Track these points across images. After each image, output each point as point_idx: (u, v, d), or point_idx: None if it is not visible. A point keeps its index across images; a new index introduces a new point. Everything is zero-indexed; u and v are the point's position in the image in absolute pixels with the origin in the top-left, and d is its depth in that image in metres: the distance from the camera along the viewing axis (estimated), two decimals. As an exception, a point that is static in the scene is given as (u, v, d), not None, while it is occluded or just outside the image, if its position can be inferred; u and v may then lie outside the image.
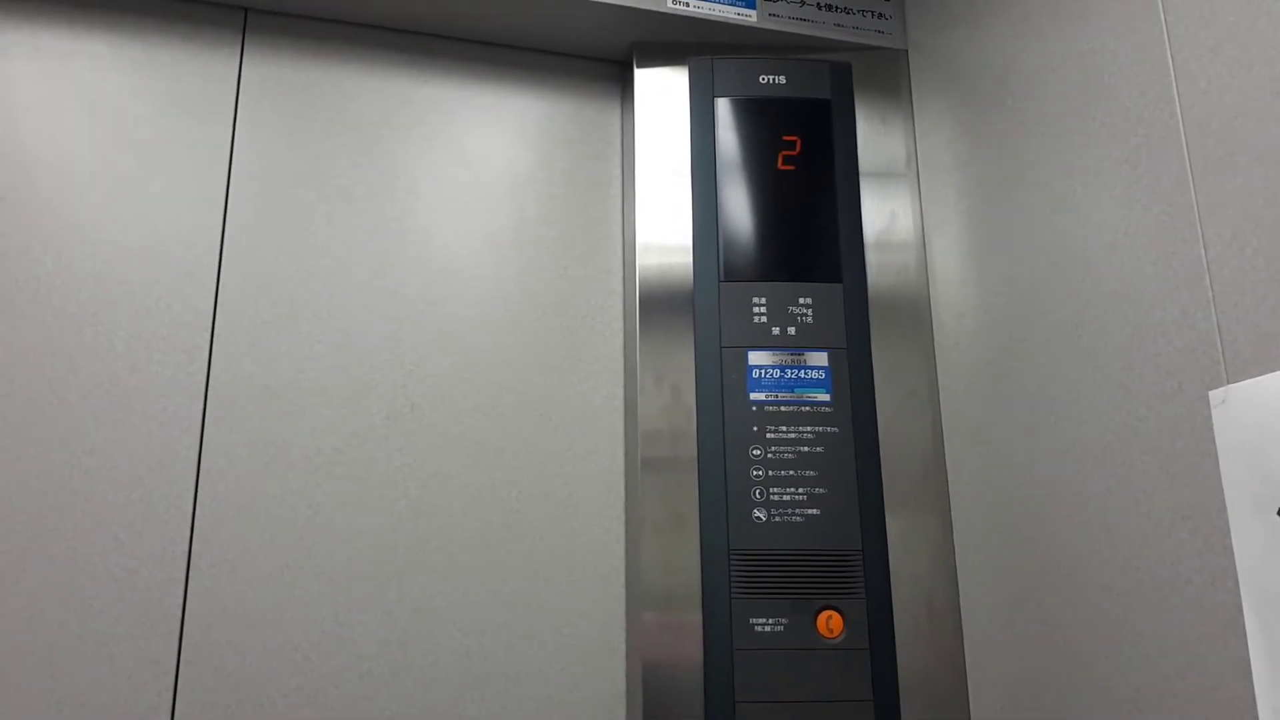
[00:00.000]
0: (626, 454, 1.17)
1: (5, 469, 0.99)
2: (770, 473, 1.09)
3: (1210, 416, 0.77)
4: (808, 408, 1.11)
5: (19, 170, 1.07)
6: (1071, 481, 0.93)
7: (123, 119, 1.11)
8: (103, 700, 0.96)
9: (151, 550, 1.01)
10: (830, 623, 1.05)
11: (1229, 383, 0.75)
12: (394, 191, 1.18)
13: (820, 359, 1.13)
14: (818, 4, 1.25)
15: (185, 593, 1.01)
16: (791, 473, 1.09)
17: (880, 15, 1.27)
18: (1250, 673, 0.72)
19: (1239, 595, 0.73)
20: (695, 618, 1.05)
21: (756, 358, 1.13)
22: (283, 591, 1.03)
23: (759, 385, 1.12)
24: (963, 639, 1.08)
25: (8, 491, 0.99)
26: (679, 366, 1.13)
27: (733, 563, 1.06)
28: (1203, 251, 0.78)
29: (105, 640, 0.98)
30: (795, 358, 1.13)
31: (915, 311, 1.18)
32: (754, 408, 1.11)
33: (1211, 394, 0.76)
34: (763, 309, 1.14)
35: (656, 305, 1.15)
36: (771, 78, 1.23)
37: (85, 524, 1.00)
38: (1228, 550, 0.75)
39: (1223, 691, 0.75)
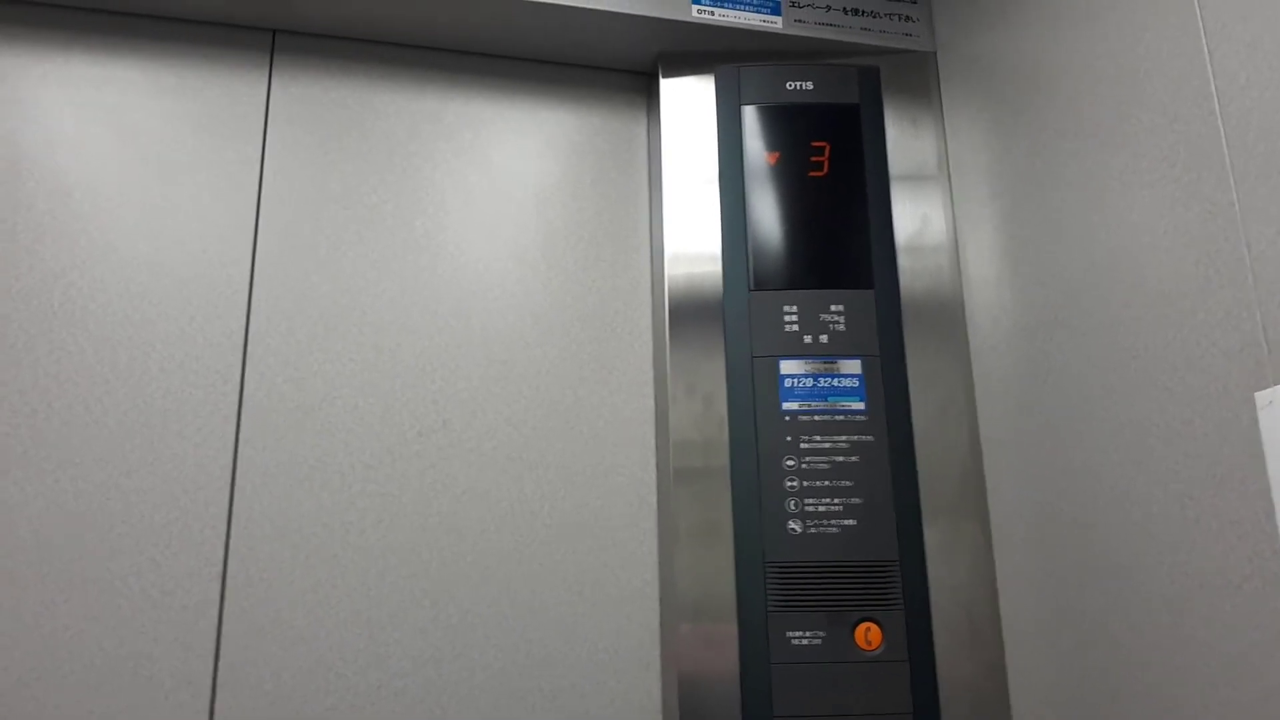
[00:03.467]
0: (658, 465, 1.16)
1: (41, 491, 1.00)
2: (805, 483, 1.07)
3: (1257, 418, 0.75)
4: (841, 417, 1.10)
5: (55, 195, 1.08)
6: (1114, 487, 0.91)
7: (154, 142, 1.13)
8: (141, 720, 0.97)
9: (187, 570, 1.01)
10: (868, 635, 1.03)
11: (1275, 384, 0.73)
12: (423, 208, 1.19)
13: (853, 367, 1.12)
14: (843, 8, 1.24)
15: (220, 613, 1.01)
16: (826, 483, 1.08)
17: (907, 18, 1.26)
18: (1306, 684, 0.70)
19: (1292, 603, 0.71)
20: (731, 631, 1.03)
21: (788, 367, 1.12)
22: (317, 610, 1.03)
23: (791, 395, 1.10)
24: (1004, 649, 1.06)
25: (45, 514, 1.00)
26: (710, 377, 1.12)
27: (768, 575, 1.05)
28: (1245, 250, 0.76)
29: (142, 661, 0.98)
30: (828, 366, 1.12)
31: (949, 316, 1.16)
32: (787, 418, 1.10)
33: (1258, 395, 0.74)
34: (794, 317, 1.13)
35: (686, 315, 1.14)
36: (798, 84, 1.22)
37: (121, 545, 1.01)
38: (1277, 555, 0.72)
39: (1275, 700, 0.73)
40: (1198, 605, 0.80)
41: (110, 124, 1.12)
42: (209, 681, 0.99)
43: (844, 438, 1.09)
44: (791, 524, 1.06)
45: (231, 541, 1.03)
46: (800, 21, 1.22)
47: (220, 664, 1.00)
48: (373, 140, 1.19)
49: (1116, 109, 0.92)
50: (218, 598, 1.01)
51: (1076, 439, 0.96)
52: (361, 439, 1.09)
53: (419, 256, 1.17)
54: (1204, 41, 0.81)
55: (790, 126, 1.20)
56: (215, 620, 1.01)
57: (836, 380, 1.11)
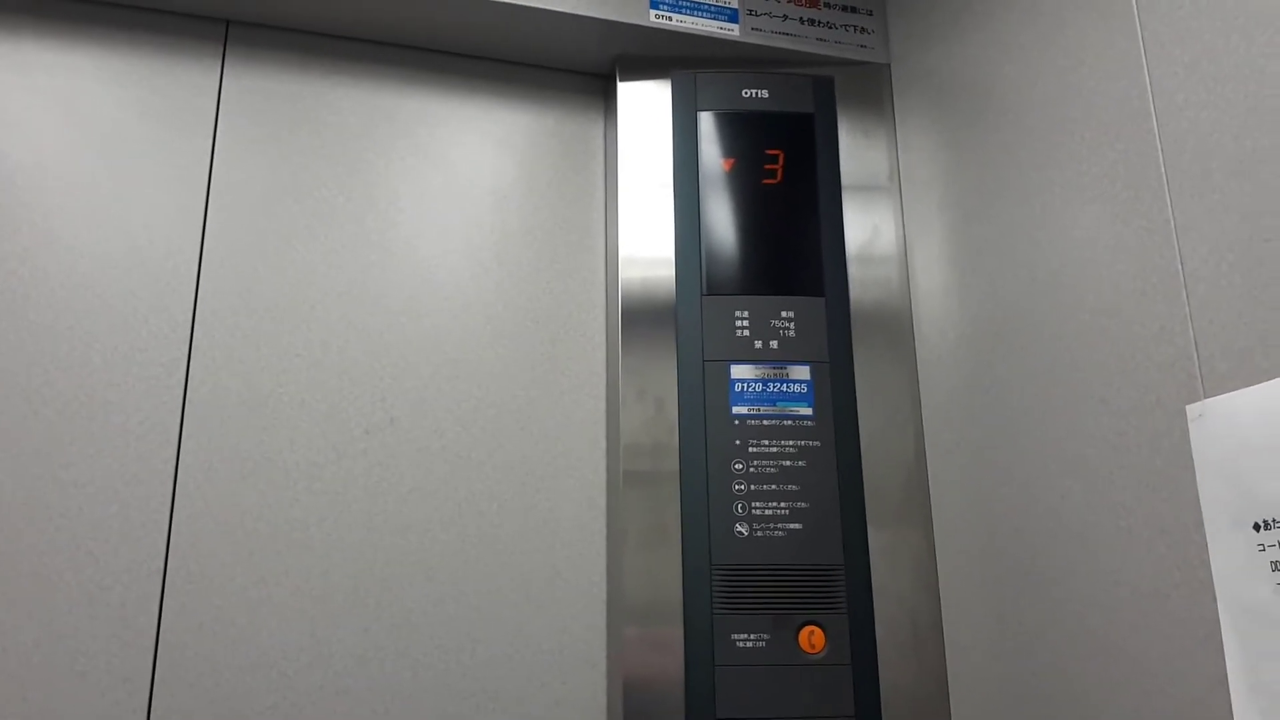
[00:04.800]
0: (608, 467, 1.16)
1: (-21, 483, 0.98)
2: (752, 487, 1.08)
3: (1188, 431, 0.77)
4: (790, 422, 1.11)
5: (-4, 182, 1.06)
6: (1051, 495, 0.93)
7: (103, 130, 1.11)
8: (75, 718, 0.95)
9: (127, 565, 1.00)
10: (812, 638, 1.04)
11: (1206, 397, 0.75)
12: (375, 204, 1.18)
13: (803, 373, 1.13)
14: (800, 18, 1.25)
15: (160, 609, 1.00)
16: (774, 487, 1.09)
17: (863, 30, 1.27)
18: (1228, 687, 0.72)
19: (1216, 609, 0.73)
20: (677, 633, 1.04)
21: (739, 371, 1.13)
22: (260, 607, 1.02)
23: (741, 399, 1.11)
24: (945, 654, 1.08)
25: (-19, 506, 0.98)
26: (661, 380, 1.13)
27: (715, 578, 1.05)
28: (1180, 267, 0.79)
29: (78, 657, 0.96)
30: (778, 371, 1.13)
31: (897, 325, 1.18)
32: (736, 422, 1.11)
33: (1189, 408, 0.76)
34: (745, 323, 1.14)
35: (639, 318, 1.15)
36: (754, 91, 1.23)
37: (59, 538, 0.99)
38: (1205, 564, 0.75)
39: (1201, 706, 0.75)
40: (1128, 613, 0.82)
41: (58, 110, 1.10)
42: (147, 679, 0.97)
43: (792, 443, 1.10)
44: (739, 527, 1.07)
45: (173, 537, 1.02)
46: (757, 30, 1.23)
47: (159, 661, 0.98)
48: (326, 135, 1.19)
49: (1060, 126, 0.94)
50: (158, 594, 1.00)
51: (1017, 449, 0.98)
52: (308, 435, 1.08)
53: (370, 253, 1.16)
54: (1145, 62, 0.84)
55: (745, 133, 1.21)
56: (155, 617, 0.99)
57: (786, 386, 1.12)
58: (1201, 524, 0.75)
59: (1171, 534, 0.78)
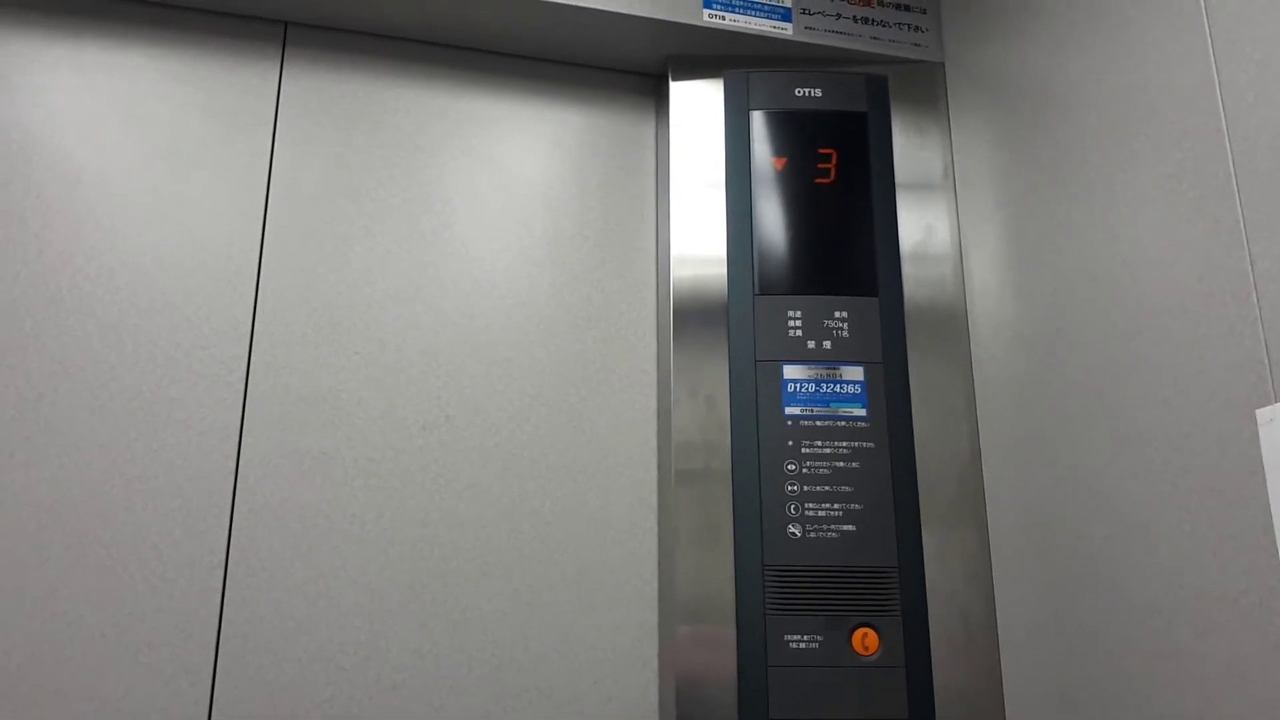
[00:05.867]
0: (660, 467, 1.16)
1: (45, 477, 1.00)
2: (805, 488, 1.08)
3: (1257, 434, 0.75)
4: (843, 422, 1.11)
5: (62, 182, 1.08)
6: (1113, 498, 0.91)
7: (164, 131, 1.13)
8: (138, 708, 0.97)
9: (189, 559, 1.02)
10: (865, 640, 1.04)
11: (1277, 401, 0.74)
12: (430, 204, 1.19)
13: (856, 373, 1.12)
14: (854, 17, 1.24)
15: (222, 602, 1.01)
16: (827, 488, 1.08)
17: (917, 28, 1.26)
18: (1300, 697, 0.71)
19: (1288, 617, 0.72)
20: (729, 633, 1.04)
21: (791, 371, 1.12)
22: (318, 602, 1.04)
23: (794, 399, 1.11)
24: (1000, 657, 1.07)
25: (48, 499, 1.00)
26: (713, 379, 1.12)
27: (767, 578, 1.05)
28: (1249, 268, 0.77)
29: (141, 648, 0.98)
30: (831, 372, 1.12)
31: (952, 325, 1.17)
32: (789, 422, 1.10)
33: (1259, 413, 0.75)
34: (798, 322, 1.14)
35: (691, 318, 1.15)
36: (807, 90, 1.22)
37: (124, 532, 1.01)
38: (1275, 569, 0.73)
39: (1269, 713, 0.74)
40: (1193, 617, 0.81)
41: (121, 112, 1.12)
42: (209, 670, 0.99)
43: (845, 443, 1.10)
44: (791, 528, 1.07)
45: (234, 531, 1.03)
46: (810, 29, 1.22)
47: (220, 653, 1.00)
48: (382, 135, 1.20)
49: (1123, 124, 0.92)
50: (219, 587, 1.02)
51: (1076, 450, 0.97)
52: (365, 432, 1.10)
53: (425, 252, 1.17)
54: (1212, 59, 0.82)
55: (798, 132, 1.21)
56: (217, 609, 1.01)
57: (839, 386, 1.12)
58: (1271, 529, 0.74)
59: (1239, 539, 0.77)
